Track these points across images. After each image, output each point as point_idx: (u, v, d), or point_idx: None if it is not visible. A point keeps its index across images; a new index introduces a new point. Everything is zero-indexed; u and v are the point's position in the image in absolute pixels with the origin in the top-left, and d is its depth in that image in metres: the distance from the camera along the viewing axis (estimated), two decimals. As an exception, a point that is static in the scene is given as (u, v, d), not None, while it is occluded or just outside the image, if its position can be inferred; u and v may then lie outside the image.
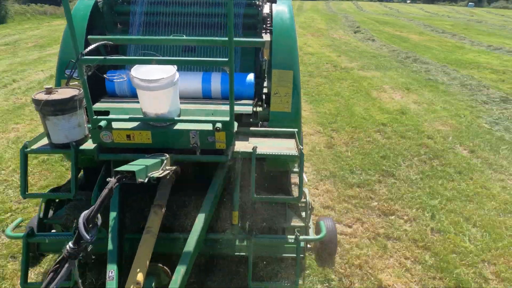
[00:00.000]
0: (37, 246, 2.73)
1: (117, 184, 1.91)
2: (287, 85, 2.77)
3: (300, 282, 2.93)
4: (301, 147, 2.53)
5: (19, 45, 13.03)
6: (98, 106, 2.83)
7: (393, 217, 3.82)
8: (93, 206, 1.79)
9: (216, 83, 2.96)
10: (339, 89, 8.29)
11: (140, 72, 2.37)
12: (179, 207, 2.74)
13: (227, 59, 2.11)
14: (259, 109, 2.97)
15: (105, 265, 2.14)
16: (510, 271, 3.19)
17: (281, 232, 2.85)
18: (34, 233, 2.57)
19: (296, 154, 2.48)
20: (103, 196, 1.82)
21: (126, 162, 2.11)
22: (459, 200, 4.12)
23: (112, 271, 2.04)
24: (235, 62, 2.80)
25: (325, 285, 3.02)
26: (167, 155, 2.36)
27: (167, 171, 2.26)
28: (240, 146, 2.58)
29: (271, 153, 2.51)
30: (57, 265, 1.71)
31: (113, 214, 2.34)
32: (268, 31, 3.30)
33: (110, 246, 2.18)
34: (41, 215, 2.85)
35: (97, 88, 3.00)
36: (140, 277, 1.99)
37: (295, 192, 3.24)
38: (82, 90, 2.33)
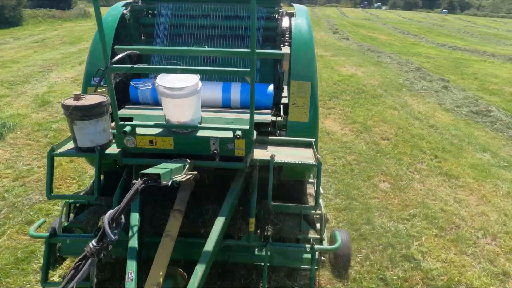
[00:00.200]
0: (58, 249, 2.77)
1: (142, 186, 1.95)
2: (305, 95, 2.79)
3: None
4: (319, 156, 2.52)
5: (48, 43, 15.22)
6: (122, 112, 2.88)
7: (335, 110, 7.61)
8: (118, 206, 1.83)
9: (236, 93, 3.01)
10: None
11: (165, 81, 2.41)
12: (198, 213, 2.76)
13: (249, 69, 2.14)
14: (278, 118, 2.99)
15: (104, 265, 2.21)
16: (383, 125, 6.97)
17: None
18: (56, 234, 2.60)
19: (314, 163, 2.48)
20: (129, 197, 1.86)
21: (148, 166, 2.13)
22: (372, 106, 7.92)
23: (131, 272, 2.04)
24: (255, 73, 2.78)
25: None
26: (188, 160, 2.40)
27: (189, 176, 2.30)
28: (259, 154, 2.60)
29: (288, 162, 2.51)
30: (79, 263, 1.73)
31: (133, 216, 2.35)
32: (287, 43, 3.36)
33: (130, 248, 2.19)
34: (63, 218, 2.89)
35: (121, 95, 3.03)
36: (159, 278, 1.99)
37: (311, 202, 3.24)
38: (108, 97, 2.37)
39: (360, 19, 33.69)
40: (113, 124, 2.56)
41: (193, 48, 2.77)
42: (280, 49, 3.28)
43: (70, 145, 2.61)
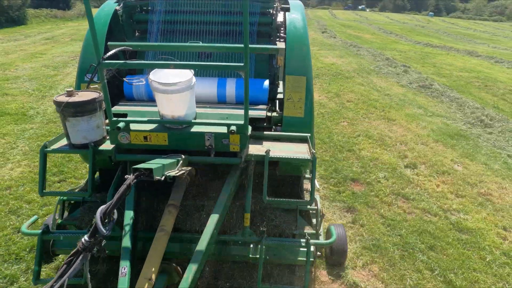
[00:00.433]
0: (52, 245, 2.71)
1: (134, 181, 1.93)
2: (300, 90, 2.77)
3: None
4: (314, 151, 2.50)
5: (58, 40, 16.62)
6: (116, 108, 2.86)
7: (315, 86, 9.93)
8: (110, 201, 1.82)
9: (231, 88, 2.99)
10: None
11: (159, 76, 2.40)
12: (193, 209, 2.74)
13: (242, 64, 2.12)
14: (273, 114, 2.96)
15: (96, 260, 2.43)
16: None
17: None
18: (49, 231, 2.55)
19: (309, 158, 2.46)
20: (121, 192, 1.85)
21: (142, 162, 2.11)
22: (344, 83, 10.27)
23: (125, 267, 2.03)
24: (250, 68, 2.60)
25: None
26: (182, 156, 2.39)
27: (183, 171, 2.30)
28: (254, 149, 2.59)
29: (283, 157, 2.50)
30: (71, 258, 1.70)
31: (128, 212, 2.35)
32: (282, 39, 3.32)
33: (124, 243, 2.18)
34: (57, 215, 2.85)
35: (115, 92, 3.04)
36: (153, 273, 1.98)
37: (307, 198, 3.23)
38: (101, 93, 2.36)
39: (350, 21, 35.79)
40: (107, 120, 2.51)
41: (187, 44, 2.79)
42: (275, 44, 3.25)
43: (64, 141, 2.57)
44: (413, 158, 5.62)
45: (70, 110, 2.33)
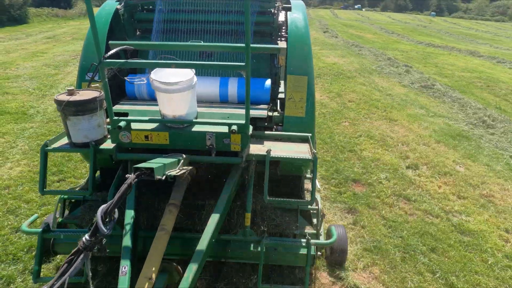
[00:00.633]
0: (52, 244, 2.69)
1: (135, 180, 1.93)
2: (301, 90, 2.76)
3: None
4: (315, 151, 2.49)
5: (59, 39, 16.67)
6: (117, 108, 2.85)
7: (317, 85, 9.90)
8: (111, 201, 1.81)
9: (233, 87, 2.99)
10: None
11: (160, 75, 2.39)
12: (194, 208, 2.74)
13: (244, 63, 2.13)
14: (274, 113, 2.96)
15: (96, 260, 2.44)
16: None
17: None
18: (49, 229, 2.55)
19: (310, 158, 2.45)
20: (122, 191, 1.85)
21: (143, 162, 2.10)
22: (346, 83, 10.24)
23: (125, 266, 2.03)
24: (251, 68, 2.52)
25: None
26: (183, 155, 2.39)
27: (183, 171, 2.30)
28: (255, 149, 2.58)
29: (284, 156, 2.49)
30: (72, 257, 1.70)
31: (128, 211, 2.34)
32: (283, 38, 3.33)
33: (124, 243, 2.18)
34: (57, 214, 2.85)
35: (117, 91, 3.05)
36: (153, 272, 1.99)
37: (308, 198, 3.23)
38: (102, 92, 2.36)
39: (352, 20, 35.76)
40: (108, 119, 2.51)
41: (188, 43, 2.80)
42: (277, 44, 3.26)
43: (64, 140, 2.57)
44: (414, 159, 5.58)
45: (71, 109, 2.33)
